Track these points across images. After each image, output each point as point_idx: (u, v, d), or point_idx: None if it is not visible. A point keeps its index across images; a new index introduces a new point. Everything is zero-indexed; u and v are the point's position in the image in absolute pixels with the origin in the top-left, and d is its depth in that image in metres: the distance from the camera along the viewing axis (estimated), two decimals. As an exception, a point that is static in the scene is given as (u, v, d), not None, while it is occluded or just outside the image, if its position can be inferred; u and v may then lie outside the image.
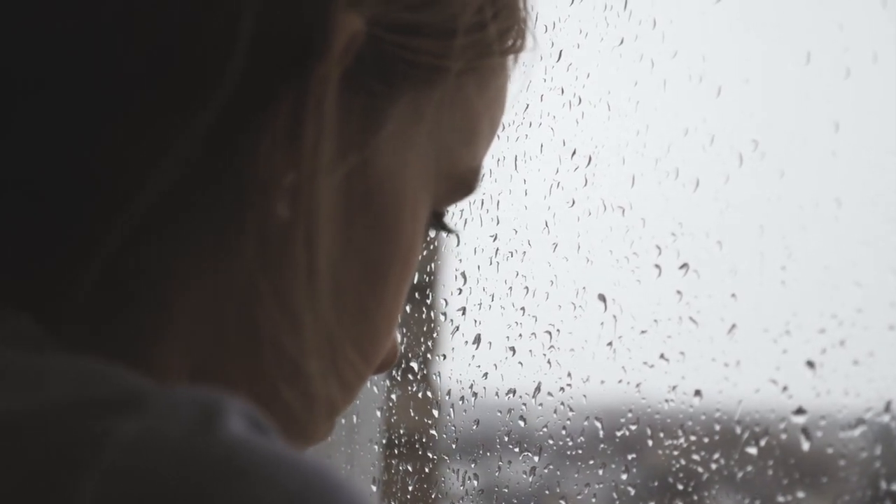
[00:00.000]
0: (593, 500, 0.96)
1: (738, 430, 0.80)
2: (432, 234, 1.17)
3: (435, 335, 1.21)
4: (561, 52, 0.98)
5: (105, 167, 0.50)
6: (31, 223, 0.51)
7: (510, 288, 1.05)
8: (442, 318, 1.20)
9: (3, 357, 0.45)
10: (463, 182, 0.61)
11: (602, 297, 0.93)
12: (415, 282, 1.21)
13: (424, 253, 1.20)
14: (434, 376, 1.22)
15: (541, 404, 1.01)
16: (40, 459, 0.39)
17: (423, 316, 1.22)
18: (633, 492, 0.92)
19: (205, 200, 0.51)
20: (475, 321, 1.12)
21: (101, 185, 0.50)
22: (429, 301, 1.21)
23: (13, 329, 0.48)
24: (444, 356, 1.20)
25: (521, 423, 1.04)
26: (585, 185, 0.95)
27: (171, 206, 0.50)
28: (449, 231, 0.65)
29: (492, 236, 1.08)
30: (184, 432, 0.41)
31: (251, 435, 0.42)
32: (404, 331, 1.24)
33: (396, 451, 1.28)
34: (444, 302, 1.19)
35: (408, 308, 1.23)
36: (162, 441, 0.40)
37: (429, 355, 1.22)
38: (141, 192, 0.48)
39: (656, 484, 0.89)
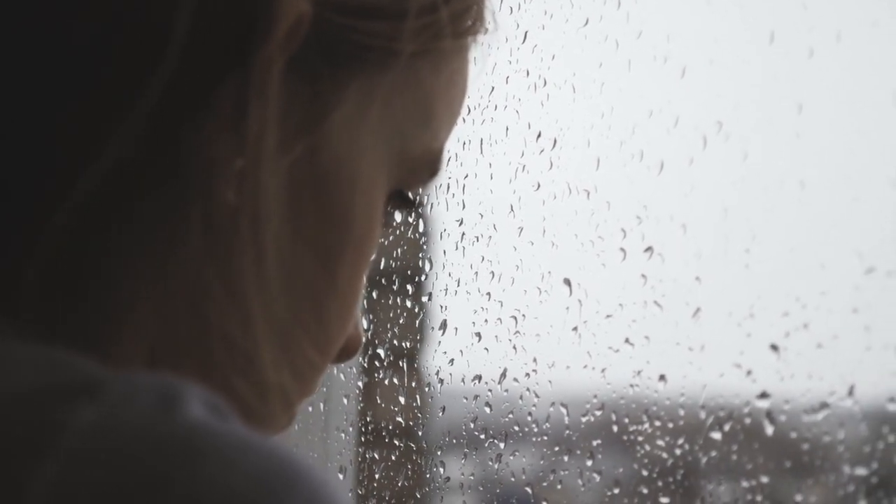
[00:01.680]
0: (559, 486, 0.96)
1: (703, 414, 0.79)
2: (398, 218, 1.16)
3: (402, 321, 1.20)
4: (526, 33, 0.97)
5: (48, 150, 0.49)
6: None
7: (476, 273, 1.04)
8: (409, 304, 1.19)
9: None
10: (423, 165, 0.60)
11: (567, 282, 0.92)
12: (381, 267, 1.20)
13: (391, 238, 1.19)
14: (401, 363, 1.21)
15: (506, 390, 1.00)
16: (1, 445, 0.39)
17: (390, 302, 1.21)
18: (598, 478, 0.91)
19: (152, 187, 0.50)
20: (441, 307, 1.11)
21: (44, 169, 0.49)
22: (395, 287, 1.20)
23: None
24: (412, 343, 1.19)
25: (487, 410, 1.04)
26: (551, 168, 0.94)
27: (119, 193, 0.49)
28: (410, 204, 0.63)
29: (457, 220, 1.07)
30: (143, 417, 0.40)
31: (211, 419, 0.42)
32: (371, 317, 1.23)
33: (364, 439, 1.27)
34: (410, 288, 1.18)
35: (374, 294, 1.22)
36: (121, 426, 0.40)
37: (395, 342, 1.21)
38: (83, 175, 0.47)
39: (621, 470, 0.89)
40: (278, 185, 0.50)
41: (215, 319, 0.50)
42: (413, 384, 1.19)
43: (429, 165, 0.60)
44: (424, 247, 1.15)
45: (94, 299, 0.51)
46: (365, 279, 0.61)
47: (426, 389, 1.15)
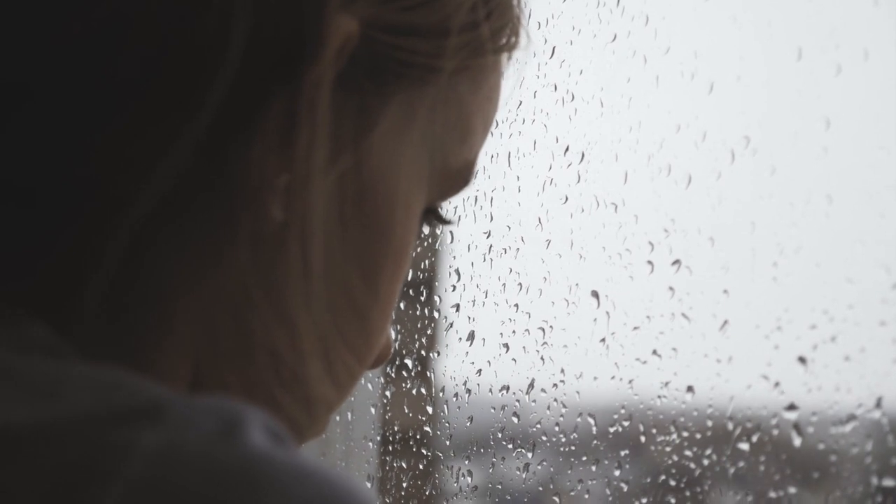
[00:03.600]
0: (586, 496, 0.96)
1: (730, 426, 0.80)
2: (426, 230, 1.17)
3: (429, 332, 1.21)
4: (554, 48, 0.98)
5: (102, 171, 0.49)
6: (30, 229, 0.51)
7: (503, 284, 1.05)
8: (436, 314, 1.20)
9: (20, 364, 0.45)
10: (457, 178, 0.61)
11: (595, 294, 0.93)
12: (409, 278, 1.21)
13: (418, 250, 1.20)
14: (428, 373, 1.22)
15: (534, 401, 1.01)
16: (64, 471, 0.39)
17: (418, 313, 1.22)
18: (626, 488, 0.92)
19: (199, 204, 0.51)
20: (469, 318, 1.12)
21: (99, 190, 0.50)
22: (423, 298, 1.21)
23: (28, 335, 0.48)
24: (439, 353, 1.20)
25: (515, 420, 1.05)
26: (578, 181, 0.95)
27: (167, 210, 0.49)
28: (445, 222, 0.64)
29: (485, 233, 1.08)
30: (204, 444, 0.41)
31: (269, 446, 0.42)
32: (398, 328, 1.24)
33: (391, 448, 1.28)
34: (438, 299, 1.19)
35: (402, 305, 1.23)
36: (183, 453, 0.40)
37: (423, 352, 1.22)
38: (140, 196, 0.48)
39: (649, 480, 0.90)
40: (324, 200, 0.51)
41: (261, 335, 0.51)
42: (440, 394, 1.20)
43: (462, 178, 0.62)
44: (452, 258, 1.16)
45: (140, 314, 0.52)
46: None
47: (453, 399, 1.16)
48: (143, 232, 0.49)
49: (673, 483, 0.86)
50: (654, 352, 0.86)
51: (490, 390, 1.07)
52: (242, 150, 0.50)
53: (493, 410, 1.07)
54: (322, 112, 0.50)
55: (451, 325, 1.15)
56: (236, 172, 0.50)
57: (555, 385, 0.98)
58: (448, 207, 0.65)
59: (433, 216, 0.62)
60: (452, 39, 0.55)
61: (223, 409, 0.43)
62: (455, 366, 1.14)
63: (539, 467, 1.03)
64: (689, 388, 0.83)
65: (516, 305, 1.03)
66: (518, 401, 1.04)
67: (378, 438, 1.31)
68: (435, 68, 0.55)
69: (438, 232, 1.18)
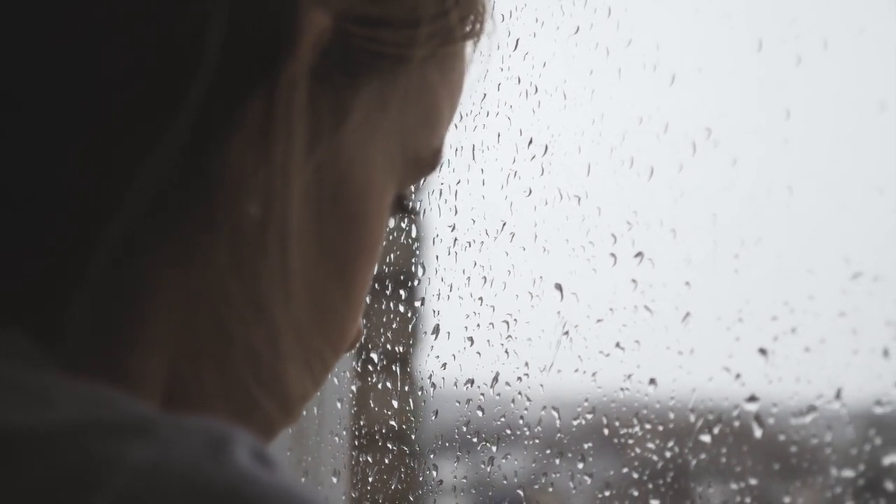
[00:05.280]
0: (550, 489, 0.96)
1: (692, 417, 0.80)
2: (391, 223, 1.16)
3: (395, 326, 1.21)
4: (517, 40, 0.98)
5: (84, 175, 0.49)
6: (11, 233, 0.50)
7: (468, 278, 1.05)
8: (402, 308, 1.20)
9: (8, 372, 0.45)
10: (426, 165, 0.61)
11: (559, 287, 0.93)
12: (375, 272, 1.20)
13: (384, 244, 1.19)
14: (394, 367, 1.22)
15: (499, 394, 1.01)
16: (51, 478, 0.40)
17: (384, 307, 1.21)
18: (589, 481, 0.92)
19: (176, 204, 0.50)
20: (434, 311, 1.11)
21: (82, 193, 0.49)
22: (388, 292, 1.21)
23: (10, 344, 0.47)
24: (404, 347, 1.20)
25: (480, 414, 1.04)
26: (542, 174, 0.95)
27: (150, 213, 0.49)
28: (409, 212, 0.64)
29: (450, 226, 1.08)
30: (191, 462, 0.41)
31: (256, 467, 0.42)
32: (364, 322, 1.23)
33: (357, 443, 1.27)
34: (403, 293, 1.19)
35: (367, 299, 1.23)
36: (170, 470, 0.40)
37: (388, 346, 1.22)
38: (125, 199, 0.47)
39: (612, 472, 0.90)
40: (301, 195, 0.51)
41: (240, 333, 0.51)
42: (406, 388, 1.20)
43: (430, 164, 0.62)
44: (417, 252, 1.16)
45: (117, 314, 0.51)
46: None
47: (419, 393, 1.15)
48: (126, 236, 0.49)
49: (636, 475, 0.86)
50: (618, 344, 0.86)
51: (455, 384, 1.07)
52: (220, 149, 0.49)
53: (458, 404, 1.07)
54: (299, 107, 0.49)
55: (417, 318, 1.15)
56: (214, 171, 0.50)
57: (519, 378, 0.98)
58: (413, 199, 0.65)
59: (398, 206, 0.62)
60: (423, 28, 0.55)
61: (211, 428, 0.43)
62: (420, 359, 1.14)
63: (504, 460, 1.03)
64: (652, 381, 0.83)
65: (481, 299, 1.03)
66: (483, 394, 1.04)
67: (344, 433, 1.30)
68: (406, 58, 0.55)
69: (404, 226, 1.18)
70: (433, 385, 1.11)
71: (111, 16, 0.48)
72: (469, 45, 0.62)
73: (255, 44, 0.49)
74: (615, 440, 0.88)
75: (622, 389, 0.86)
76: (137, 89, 0.48)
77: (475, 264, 1.04)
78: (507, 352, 1.00)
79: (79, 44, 0.48)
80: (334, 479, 1.28)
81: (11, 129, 0.49)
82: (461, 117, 1.04)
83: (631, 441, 0.86)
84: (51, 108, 0.49)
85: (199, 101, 0.47)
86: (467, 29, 0.60)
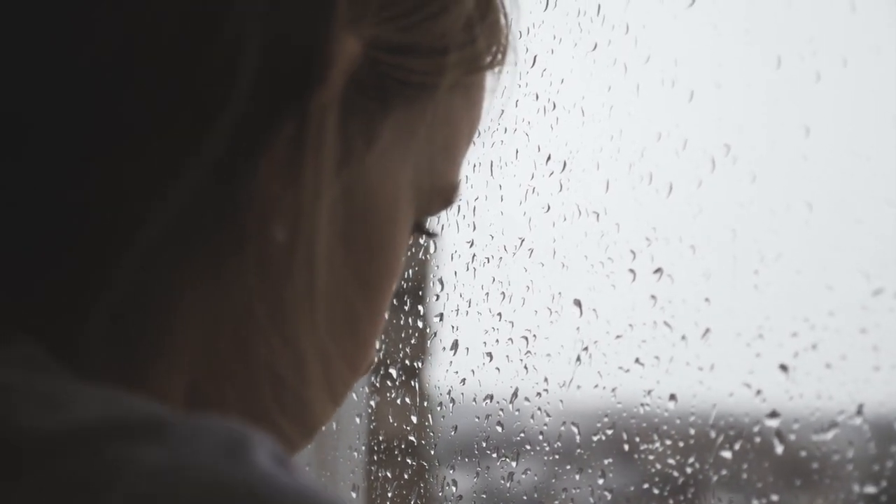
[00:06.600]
0: (570, 504, 0.96)
1: (713, 433, 0.80)
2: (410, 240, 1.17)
3: (413, 341, 1.21)
4: (535, 57, 0.98)
5: (110, 191, 0.49)
6: (36, 249, 0.50)
7: (487, 294, 1.05)
8: (420, 324, 1.20)
9: (24, 379, 0.45)
10: (444, 194, 0.62)
11: (577, 302, 0.93)
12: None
13: (403, 259, 1.20)
14: (413, 383, 1.22)
15: (518, 410, 1.01)
16: (64, 480, 0.39)
17: (402, 322, 1.22)
18: (609, 496, 0.92)
19: (204, 227, 0.51)
20: (452, 327, 1.12)
21: (106, 209, 0.49)
22: (407, 308, 1.21)
23: (28, 355, 0.47)
24: (423, 363, 1.20)
25: (499, 429, 1.05)
26: (560, 190, 0.95)
27: (174, 232, 0.49)
28: (430, 235, 0.65)
29: (468, 242, 1.08)
30: (207, 463, 0.41)
31: (276, 470, 0.42)
32: (382, 337, 1.24)
33: (376, 458, 1.27)
34: (421, 308, 1.19)
35: (386, 314, 1.23)
36: (185, 471, 0.40)
37: (407, 362, 1.22)
38: (150, 218, 0.48)
39: (632, 488, 0.90)
40: (328, 220, 0.51)
41: (264, 357, 0.51)
42: (425, 404, 1.20)
43: (448, 194, 0.62)
44: (435, 268, 1.16)
45: (139, 333, 0.51)
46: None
47: (438, 409, 1.16)
48: (150, 253, 0.49)
49: (656, 491, 0.86)
50: (637, 360, 0.86)
51: (474, 399, 1.07)
52: (250, 171, 0.50)
53: (477, 419, 1.07)
54: (329, 134, 0.50)
55: (435, 334, 1.15)
56: (243, 194, 0.50)
57: (538, 394, 0.98)
58: (432, 220, 0.65)
59: (418, 229, 0.63)
60: (450, 57, 0.56)
61: (230, 429, 0.43)
62: (439, 375, 1.14)
63: (523, 476, 1.03)
64: (672, 397, 0.83)
65: (499, 314, 1.04)
66: (502, 410, 1.04)
67: (363, 448, 1.30)
68: (433, 85, 0.56)
69: (422, 242, 1.18)
70: (452, 400, 1.11)
71: (142, 41, 0.48)
72: (491, 75, 0.62)
73: (288, 70, 0.49)
74: (635, 456, 0.88)
75: (642, 405, 0.86)
76: (171, 108, 0.48)
77: (494, 280, 1.05)
78: (526, 367, 1.00)
79: (105, 69, 0.48)
80: (353, 495, 1.28)
81: (36, 142, 0.49)
82: (479, 134, 1.04)
83: (651, 457, 0.86)
84: (79, 124, 0.49)
85: (232, 124, 0.47)
86: (492, 58, 0.60)
